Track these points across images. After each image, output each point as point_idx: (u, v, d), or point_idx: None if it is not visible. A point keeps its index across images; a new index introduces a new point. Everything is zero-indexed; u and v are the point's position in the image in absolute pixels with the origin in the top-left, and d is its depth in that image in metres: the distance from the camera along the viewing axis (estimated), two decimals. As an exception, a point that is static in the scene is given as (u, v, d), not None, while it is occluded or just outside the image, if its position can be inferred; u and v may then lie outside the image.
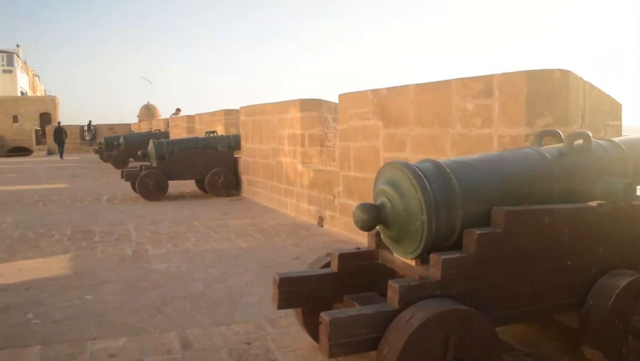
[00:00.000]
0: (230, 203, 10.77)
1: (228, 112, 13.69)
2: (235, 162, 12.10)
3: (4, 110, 49.63)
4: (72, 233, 7.69)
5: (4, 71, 59.21)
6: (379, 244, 3.35)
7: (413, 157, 5.98)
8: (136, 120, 38.11)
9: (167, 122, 22.92)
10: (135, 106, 38.05)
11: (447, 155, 5.32)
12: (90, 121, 39.55)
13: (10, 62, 60.17)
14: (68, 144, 36.06)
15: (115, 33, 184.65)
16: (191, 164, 11.64)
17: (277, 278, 3.28)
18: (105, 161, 23.05)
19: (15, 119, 49.91)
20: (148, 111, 37.56)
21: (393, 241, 3.08)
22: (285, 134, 9.47)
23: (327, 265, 3.50)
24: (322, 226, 8.23)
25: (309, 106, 8.90)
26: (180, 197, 11.83)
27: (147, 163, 12.40)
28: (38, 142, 42.20)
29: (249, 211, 9.80)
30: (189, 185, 12.93)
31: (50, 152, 37.99)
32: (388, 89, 6.52)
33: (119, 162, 20.37)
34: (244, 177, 11.80)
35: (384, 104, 6.55)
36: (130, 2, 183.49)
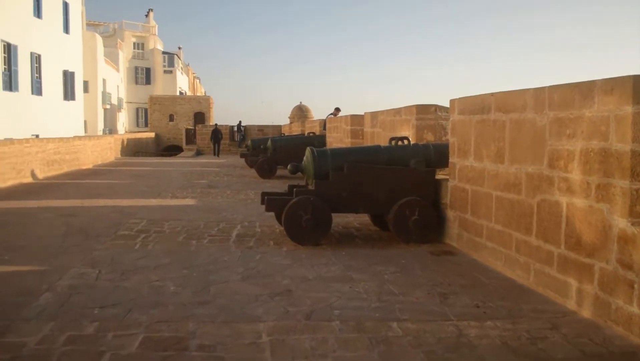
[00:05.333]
0: (435, 262, 6.19)
1: (423, 109, 9.05)
2: (436, 188, 7.53)
3: (161, 108, 50.00)
4: (144, 342, 3.59)
5: (165, 72, 60.28)
6: None
7: None
8: (288, 121, 35.17)
9: (323, 123, 18.99)
10: (288, 107, 35.27)
11: None
12: (240, 122, 37.36)
13: (171, 63, 61.19)
14: (217, 145, 35.48)
15: (269, 33, 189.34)
16: (369, 189, 7.27)
17: None
18: (251, 166, 19.71)
19: (171, 117, 50.09)
20: (300, 112, 34.36)
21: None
22: (576, 150, 4.68)
23: None
24: None
25: (657, 89, 4.02)
26: (348, 238, 7.50)
27: (300, 182, 8.28)
28: (188, 142, 41.12)
29: (481, 287, 5.17)
30: (359, 215, 8.58)
31: (199, 153, 36.45)
32: None
33: (265, 171, 16.77)
34: (451, 215, 7.17)
35: None
36: (283, 6, 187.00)
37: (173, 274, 5.44)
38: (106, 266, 5.74)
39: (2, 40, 23.52)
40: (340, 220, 8.33)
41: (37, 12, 27.50)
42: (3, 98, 23.40)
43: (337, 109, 18.81)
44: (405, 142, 7.95)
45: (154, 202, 10.92)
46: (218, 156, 32.73)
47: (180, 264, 5.88)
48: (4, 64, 23.87)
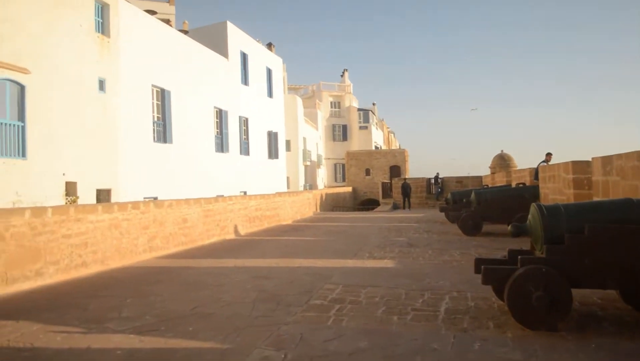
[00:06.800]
0: None
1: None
2: None
3: (358, 163, 50.85)
4: None
5: (360, 128, 61.70)
6: None
7: None
8: (488, 172, 32.98)
9: (534, 172, 16.91)
10: (485, 156, 33.57)
11: None
12: (437, 174, 36.16)
13: (365, 119, 62.52)
14: (413, 198, 35.23)
15: (460, 82, 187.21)
16: (621, 257, 5.51)
17: None
18: (452, 221, 18.28)
19: (367, 172, 50.63)
20: (502, 161, 32.02)
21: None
22: None
23: None
24: None
25: None
26: (591, 320, 5.75)
27: (522, 246, 6.73)
28: (384, 196, 40.85)
29: None
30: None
31: (395, 206, 35.87)
32: None
33: (469, 227, 15.16)
34: None
35: None
36: (472, 52, 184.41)
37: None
38: (293, 349, 4.86)
39: (215, 107, 25.56)
40: (575, 293, 6.56)
41: (245, 80, 29.70)
42: (216, 159, 25.25)
43: (549, 155, 16.64)
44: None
45: (349, 263, 10.10)
46: (408, 208, 33.72)
47: (379, 351, 4.77)
48: (217, 128, 25.87)
